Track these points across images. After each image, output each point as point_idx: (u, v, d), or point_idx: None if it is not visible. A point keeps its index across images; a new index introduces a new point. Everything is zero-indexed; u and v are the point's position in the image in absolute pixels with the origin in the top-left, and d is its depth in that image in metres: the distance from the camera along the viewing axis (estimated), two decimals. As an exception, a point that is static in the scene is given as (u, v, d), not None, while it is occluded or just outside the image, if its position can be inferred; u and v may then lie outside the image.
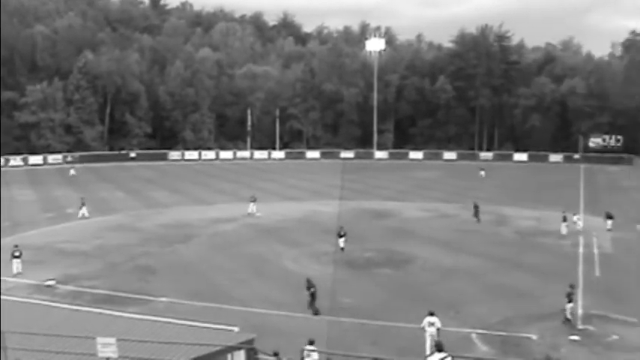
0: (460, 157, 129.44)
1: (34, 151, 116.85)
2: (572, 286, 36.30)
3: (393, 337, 33.18)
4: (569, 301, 35.21)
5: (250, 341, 21.84)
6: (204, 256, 50.68)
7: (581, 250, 52.80)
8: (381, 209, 71.76)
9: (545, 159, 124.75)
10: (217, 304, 37.53)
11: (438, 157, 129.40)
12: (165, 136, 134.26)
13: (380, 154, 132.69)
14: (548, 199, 77.39)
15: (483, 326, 34.51)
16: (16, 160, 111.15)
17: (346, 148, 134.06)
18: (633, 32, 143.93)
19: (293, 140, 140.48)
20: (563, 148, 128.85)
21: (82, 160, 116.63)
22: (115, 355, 18.48)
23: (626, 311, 36.77)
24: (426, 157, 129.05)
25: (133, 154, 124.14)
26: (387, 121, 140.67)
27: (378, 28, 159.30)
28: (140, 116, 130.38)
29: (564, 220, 58.89)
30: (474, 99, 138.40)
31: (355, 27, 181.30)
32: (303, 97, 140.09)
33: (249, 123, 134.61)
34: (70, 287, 41.76)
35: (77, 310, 27.30)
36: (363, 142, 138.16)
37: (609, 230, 59.17)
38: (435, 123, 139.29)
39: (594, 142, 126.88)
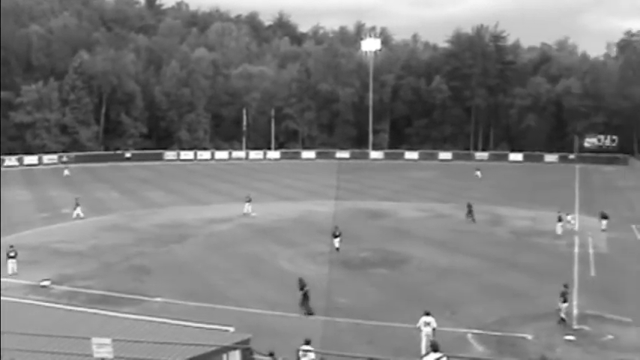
0: (456, 157, 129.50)
1: (29, 151, 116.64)
2: (566, 286, 36.34)
3: (389, 337, 33.18)
4: (564, 301, 35.24)
5: (246, 341, 21.83)
6: (200, 256, 50.66)
7: (576, 250, 52.88)
8: (377, 209, 71.79)
9: (540, 159, 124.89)
10: (213, 305, 37.52)
11: (434, 157, 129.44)
12: (160, 136, 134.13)
13: (375, 154, 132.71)
14: (544, 199, 77.48)
15: (479, 326, 34.53)
16: (11, 160, 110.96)
17: (342, 148, 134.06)
18: (628, 33, 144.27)
19: (288, 140, 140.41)
20: (558, 148, 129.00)
21: (77, 160, 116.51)
22: (110, 356, 18.44)
23: (621, 311, 36.85)
24: (422, 157, 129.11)
25: (128, 154, 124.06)
26: (383, 121, 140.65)
27: (373, 29, 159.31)
28: (136, 116, 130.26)
29: (559, 220, 58.98)
30: (470, 99, 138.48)
31: (351, 27, 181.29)
32: (298, 97, 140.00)
33: (244, 123, 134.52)
34: (65, 287, 41.71)
35: (72, 310, 27.26)
36: (358, 142, 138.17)
37: (604, 230, 59.24)
38: (431, 123, 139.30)
39: (589, 142, 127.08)
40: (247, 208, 67.60)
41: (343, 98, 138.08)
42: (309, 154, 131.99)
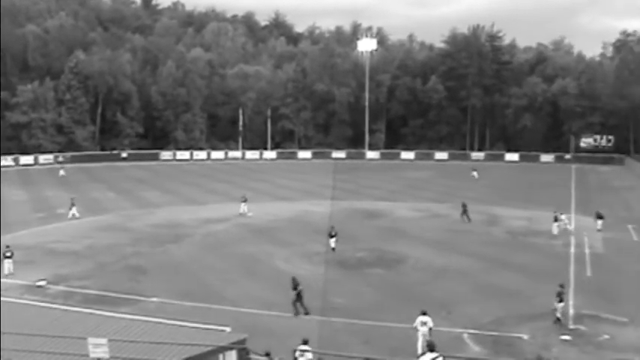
0: (452, 157, 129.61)
1: (25, 151, 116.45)
2: (562, 286, 36.36)
3: (385, 336, 33.19)
4: (560, 301, 35.26)
5: (242, 341, 21.83)
6: (196, 256, 50.64)
7: (572, 250, 52.93)
8: (373, 209, 71.80)
9: (536, 159, 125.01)
10: (209, 305, 37.51)
11: (430, 157, 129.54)
12: (156, 136, 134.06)
13: (371, 154, 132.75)
14: (540, 199, 77.58)
15: (475, 326, 34.55)
16: (7, 160, 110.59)
17: (338, 148, 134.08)
18: (624, 33, 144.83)
19: (284, 140, 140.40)
20: (554, 148, 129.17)
21: (73, 160, 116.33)
22: (106, 356, 18.45)
23: (617, 311, 36.88)
24: (418, 157, 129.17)
25: (124, 154, 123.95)
26: (379, 121, 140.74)
27: (369, 28, 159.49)
28: (132, 116, 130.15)
29: (555, 220, 59.02)
30: (466, 99, 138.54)
31: (347, 27, 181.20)
32: (294, 97, 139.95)
33: (240, 123, 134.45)
34: (60, 287, 41.68)
35: (68, 310, 27.24)
36: (354, 142, 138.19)
37: (599, 230, 59.29)
38: (427, 123, 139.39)
39: (585, 142, 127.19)
40: (243, 208, 67.60)
41: (339, 98, 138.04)
42: (305, 154, 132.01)
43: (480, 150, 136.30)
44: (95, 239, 56.19)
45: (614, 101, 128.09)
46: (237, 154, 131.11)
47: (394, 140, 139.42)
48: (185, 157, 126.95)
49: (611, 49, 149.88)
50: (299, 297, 36.60)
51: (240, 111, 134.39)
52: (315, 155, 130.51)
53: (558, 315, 35.11)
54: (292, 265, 47.27)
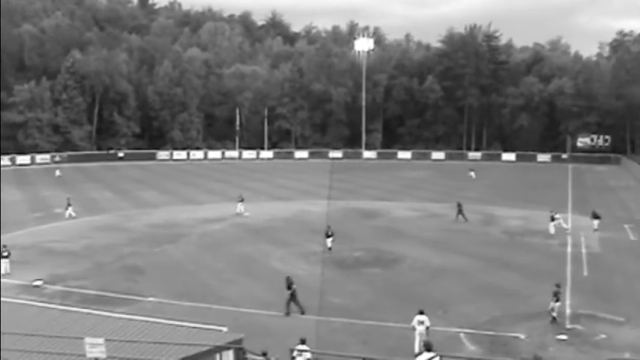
0: (448, 157, 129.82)
1: (21, 151, 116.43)
2: (558, 286, 36.33)
3: (383, 336, 33.20)
4: (557, 300, 35.27)
5: (239, 341, 21.82)
6: (193, 256, 50.62)
7: (569, 249, 52.93)
8: (370, 209, 71.83)
9: (533, 159, 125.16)
10: (206, 304, 37.50)
11: (427, 156, 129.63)
12: (153, 136, 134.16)
13: (368, 154, 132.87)
14: (537, 198, 77.63)
15: (471, 326, 34.54)
16: (3, 160, 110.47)
17: (335, 148, 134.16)
18: (621, 32, 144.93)
19: (281, 140, 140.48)
20: (551, 148, 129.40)
21: (70, 159, 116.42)
22: (103, 356, 18.42)
23: (613, 310, 36.91)
24: (415, 157, 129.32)
25: (121, 154, 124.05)
26: (376, 120, 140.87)
27: (366, 28, 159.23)
28: (128, 116, 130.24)
29: (552, 219, 59.06)
30: (463, 99, 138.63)
31: (344, 27, 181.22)
32: (291, 96, 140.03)
33: (237, 123, 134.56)
34: (58, 287, 41.62)
35: (65, 310, 27.21)
36: (351, 142, 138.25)
37: (595, 230, 59.31)
38: (424, 123, 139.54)
39: (582, 141, 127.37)
40: (240, 207, 67.57)
41: (336, 98, 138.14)
42: (302, 153, 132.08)
43: (476, 150, 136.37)
44: (92, 239, 56.16)
45: (610, 101, 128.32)
46: (234, 153, 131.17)
47: (391, 140, 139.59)
48: (182, 156, 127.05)
49: (607, 49, 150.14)
50: (293, 296, 36.58)
51: (237, 111, 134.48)
52: (312, 155, 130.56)
53: (554, 314, 35.13)
54: (289, 264, 47.25)
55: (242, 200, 68.29)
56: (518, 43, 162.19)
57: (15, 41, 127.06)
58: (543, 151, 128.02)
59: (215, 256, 50.60)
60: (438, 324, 32.92)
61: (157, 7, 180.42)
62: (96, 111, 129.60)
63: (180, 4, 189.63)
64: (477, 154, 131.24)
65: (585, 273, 45.95)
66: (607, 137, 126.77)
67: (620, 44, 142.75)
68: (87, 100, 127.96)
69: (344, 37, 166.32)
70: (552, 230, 58.37)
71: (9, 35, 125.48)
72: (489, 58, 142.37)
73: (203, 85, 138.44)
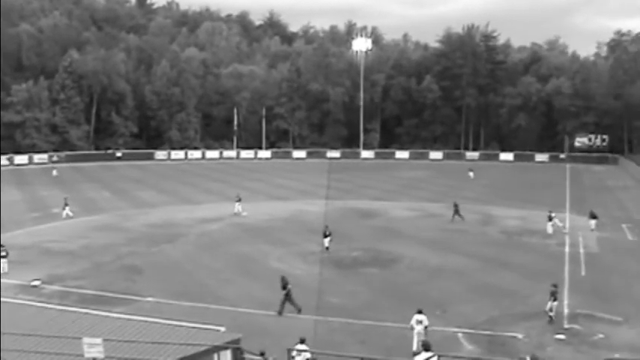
0: (446, 157, 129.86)
1: (19, 151, 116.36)
2: (555, 285, 36.31)
3: (381, 336, 33.21)
4: (554, 300, 35.28)
5: (237, 341, 21.84)
6: (191, 256, 50.62)
7: (567, 249, 52.94)
8: (368, 209, 71.85)
9: (531, 158, 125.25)
10: (204, 304, 37.50)
11: (424, 156, 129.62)
12: (151, 136, 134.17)
13: (366, 154, 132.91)
14: (534, 198, 77.64)
15: (469, 325, 34.55)
16: (1, 160, 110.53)
17: (332, 148, 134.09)
18: (618, 32, 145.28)
19: (279, 140, 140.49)
20: (548, 148, 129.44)
21: (67, 159, 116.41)
22: (101, 356, 18.43)
23: (611, 310, 36.93)
24: (412, 157, 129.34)
25: (119, 154, 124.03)
26: (373, 120, 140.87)
27: (364, 28, 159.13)
28: (126, 116, 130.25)
29: (550, 219, 59.07)
30: (460, 99, 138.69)
31: (341, 26, 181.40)
32: (289, 96, 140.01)
33: (235, 122, 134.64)
34: (56, 287, 41.61)
35: (63, 310, 27.20)
36: (349, 142, 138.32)
37: (592, 230, 59.31)
38: (421, 123, 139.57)
39: (580, 141, 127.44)
40: (237, 207, 67.54)
41: (334, 98, 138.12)
42: (299, 153, 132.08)
43: (474, 149, 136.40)
44: (91, 239, 56.14)
45: (608, 101, 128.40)
46: (232, 153, 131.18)
47: (389, 140, 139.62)
48: (180, 156, 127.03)
49: (605, 48, 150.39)
50: (288, 296, 36.57)
51: (235, 110, 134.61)
52: (309, 155, 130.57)
53: (551, 314, 35.13)
54: (287, 264, 47.26)
55: (239, 200, 68.27)
56: (516, 43, 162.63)
57: (13, 41, 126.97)
58: (541, 150, 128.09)
59: (213, 255, 50.60)
60: (436, 324, 32.92)
61: (154, 6, 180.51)
62: (94, 111, 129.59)
63: (177, 4, 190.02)
64: (475, 154, 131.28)
65: (583, 273, 45.96)
66: (605, 137, 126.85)
67: (618, 44, 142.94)
68: (85, 100, 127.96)
69: (342, 37, 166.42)
70: (550, 230, 58.38)
71: (6, 35, 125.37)
72: (487, 58, 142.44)
73: (201, 85, 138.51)
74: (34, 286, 41.33)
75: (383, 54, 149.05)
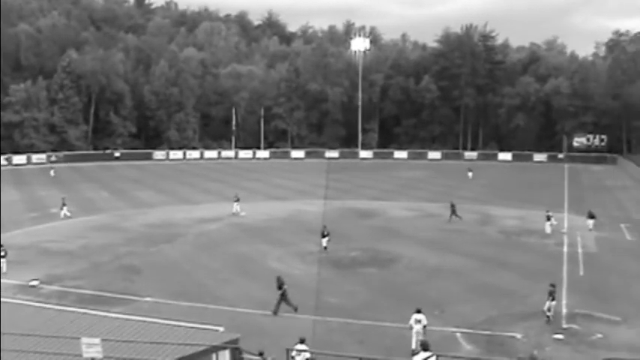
0: (445, 157, 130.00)
1: (17, 151, 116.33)
2: (553, 285, 36.29)
3: (379, 336, 33.19)
4: (553, 300, 35.28)
5: (235, 341, 21.84)
6: (190, 256, 50.59)
7: (565, 249, 52.95)
8: (366, 208, 71.83)
9: (529, 158, 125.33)
10: (202, 304, 37.48)
11: (423, 156, 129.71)
12: (149, 136, 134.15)
13: (364, 154, 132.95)
14: (533, 198, 77.67)
15: (468, 325, 34.55)
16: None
17: (331, 148, 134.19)
18: (617, 32, 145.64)
19: (278, 140, 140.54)
20: (547, 148, 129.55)
21: (66, 159, 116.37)
22: (99, 356, 18.43)
23: (610, 310, 36.94)
24: (411, 157, 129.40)
25: (117, 154, 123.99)
26: (372, 120, 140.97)
27: (362, 28, 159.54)
28: (124, 116, 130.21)
29: (548, 219, 59.08)
30: (459, 98, 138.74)
31: (340, 26, 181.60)
32: (287, 96, 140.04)
33: (233, 122, 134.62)
34: (54, 287, 41.58)
35: (62, 310, 27.19)
36: (347, 142, 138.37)
37: (590, 230, 59.32)
38: (420, 122, 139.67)
39: (578, 141, 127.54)
40: (236, 207, 67.49)
41: (332, 98, 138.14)
42: (298, 153, 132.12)
43: (472, 149, 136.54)
44: (89, 239, 56.11)
45: (606, 101, 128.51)
46: (231, 153, 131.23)
47: (387, 140, 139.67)
48: (178, 156, 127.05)
49: (603, 48, 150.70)
50: (283, 296, 36.55)
51: (234, 110, 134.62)
52: (308, 155, 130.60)
53: (548, 314, 35.12)
54: (285, 264, 47.26)
55: (237, 200, 68.19)
56: (515, 42, 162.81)
57: (11, 41, 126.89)
58: (539, 150, 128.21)
59: (211, 255, 50.58)
60: (435, 324, 32.93)
61: (153, 6, 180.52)
62: (92, 111, 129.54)
63: (176, 4, 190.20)
64: (473, 154, 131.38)
65: (581, 272, 45.97)
66: (603, 137, 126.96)
67: (616, 44, 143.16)
68: (83, 100, 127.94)
69: (340, 37, 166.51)
70: (548, 230, 58.40)
71: (5, 35, 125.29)
72: (485, 58, 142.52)
73: (199, 85, 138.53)
74: (33, 286, 41.27)
75: (381, 54, 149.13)
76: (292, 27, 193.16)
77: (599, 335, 33.52)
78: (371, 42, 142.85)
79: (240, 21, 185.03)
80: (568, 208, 70.20)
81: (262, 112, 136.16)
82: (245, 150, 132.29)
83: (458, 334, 33.45)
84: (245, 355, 22.12)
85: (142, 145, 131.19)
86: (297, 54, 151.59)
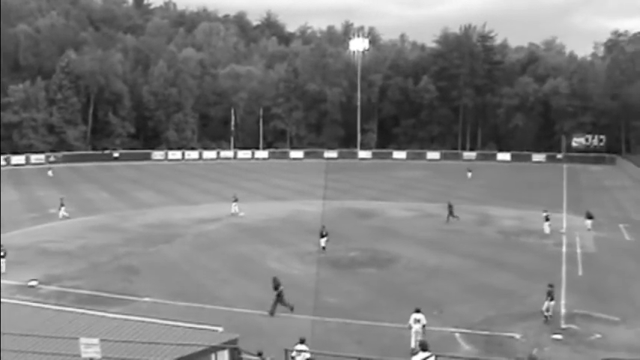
0: (443, 157, 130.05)
1: (16, 151, 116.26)
2: (551, 285, 36.28)
3: (378, 336, 33.18)
4: (551, 300, 35.27)
5: (234, 341, 21.83)
6: (188, 256, 50.55)
7: (564, 249, 52.97)
8: (365, 209, 71.81)
9: (528, 158, 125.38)
10: (201, 304, 37.45)
11: (422, 156, 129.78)
12: (148, 136, 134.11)
13: (363, 154, 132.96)
14: (532, 198, 77.69)
15: (467, 325, 34.54)
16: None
17: (330, 148, 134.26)
18: (615, 33, 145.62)
19: (276, 140, 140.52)
20: (546, 148, 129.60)
21: (64, 159, 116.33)
22: (98, 356, 18.42)
23: (608, 310, 36.94)
24: (410, 157, 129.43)
25: (116, 154, 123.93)
26: (371, 120, 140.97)
27: (361, 28, 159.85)
28: (123, 116, 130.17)
29: (547, 219, 59.08)
30: (457, 99, 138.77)
31: (339, 27, 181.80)
32: (286, 96, 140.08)
33: (232, 123, 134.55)
34: (53, 287, 41.54)
35: (60, 310, 27.18)
36: (346, 142, 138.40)
37: (589, 230, 59.33)
38: (419, 123, 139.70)
39: (577, 141, 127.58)
40: (234, 208, 67.46)
41: (331, 98, 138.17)
42: (297, 153, 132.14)
43: (471, 150, 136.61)
44: (88, 239, 56.07)
45: (605, 101, 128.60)
46: (229, 153, 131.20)
47: (386, 140, 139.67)
48: (177, 157, 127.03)
49: (602, 49, 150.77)
50: (279, 297, 36.53)
51: (232, 111, 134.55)
52: (307, 155, 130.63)
53: (547, 314, 35.11)
54: (284, 264, 47.27)
55: (236, 200, 68.15)
56: (513, 43, 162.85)
57: (10, 41, 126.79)
58: (538, 151, 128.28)
59: (210, 256, 50.55)
60: (434, 324, 32.91)
61: (152, 7, 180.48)
62: (91, 111, 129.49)
63: (175, 5, 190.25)
64: (472, 154, 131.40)
65: (580, 273, 45.98)
66: (602, 137, 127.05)
67: (615, 44, 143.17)
68: (82, 100, 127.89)
69: (339, 37, 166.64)
70: (547, 230, 58.41)
71: (4, 35, 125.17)
72: (484, 59, 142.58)
73: (198, 86, 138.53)
74: (31, 287, 41.24)
75: (380, 54, 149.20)
76: (291, 27, 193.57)
77: (598, 335, 33.51)
78: (370, 42, 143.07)
79: (239, 21, 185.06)
80: (567, 209, 70.21)
81: (261, 112, 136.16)
82: (244, 150, 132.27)
83: (457, 334, 33.45)
84: (244, 356, 22.11)
85: (140, 145, 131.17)
86: (296, 54, 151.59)
